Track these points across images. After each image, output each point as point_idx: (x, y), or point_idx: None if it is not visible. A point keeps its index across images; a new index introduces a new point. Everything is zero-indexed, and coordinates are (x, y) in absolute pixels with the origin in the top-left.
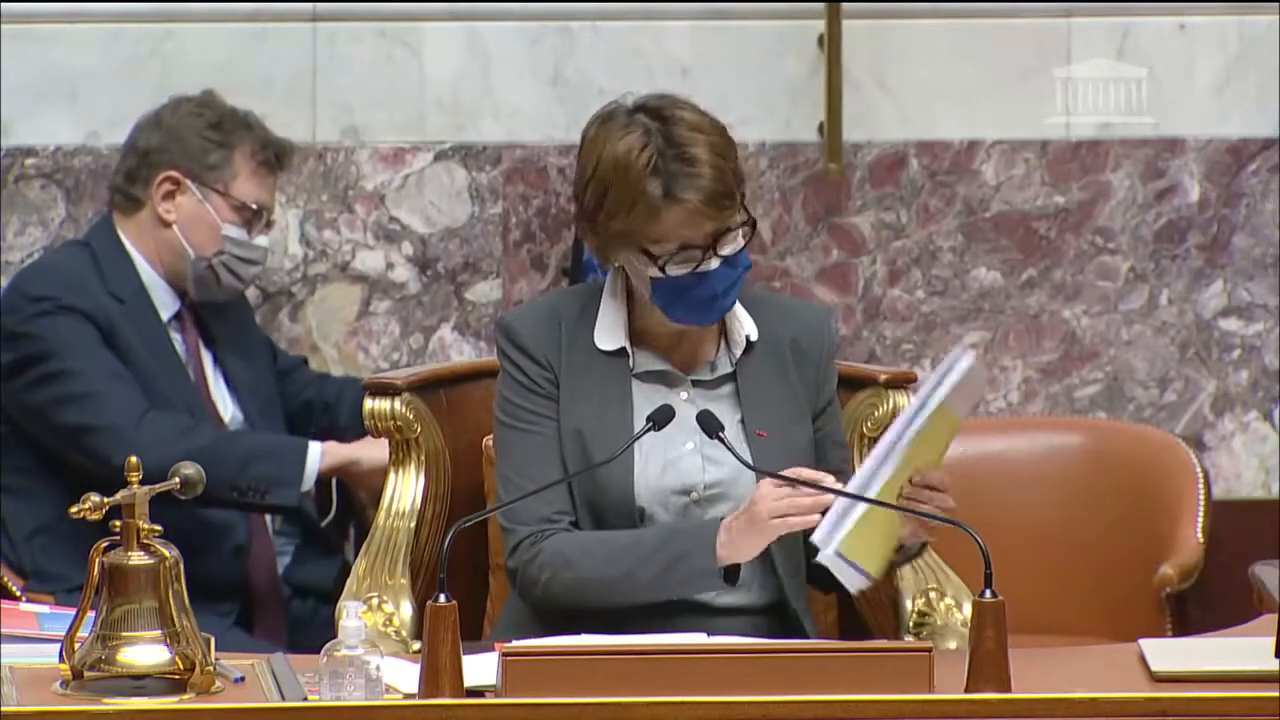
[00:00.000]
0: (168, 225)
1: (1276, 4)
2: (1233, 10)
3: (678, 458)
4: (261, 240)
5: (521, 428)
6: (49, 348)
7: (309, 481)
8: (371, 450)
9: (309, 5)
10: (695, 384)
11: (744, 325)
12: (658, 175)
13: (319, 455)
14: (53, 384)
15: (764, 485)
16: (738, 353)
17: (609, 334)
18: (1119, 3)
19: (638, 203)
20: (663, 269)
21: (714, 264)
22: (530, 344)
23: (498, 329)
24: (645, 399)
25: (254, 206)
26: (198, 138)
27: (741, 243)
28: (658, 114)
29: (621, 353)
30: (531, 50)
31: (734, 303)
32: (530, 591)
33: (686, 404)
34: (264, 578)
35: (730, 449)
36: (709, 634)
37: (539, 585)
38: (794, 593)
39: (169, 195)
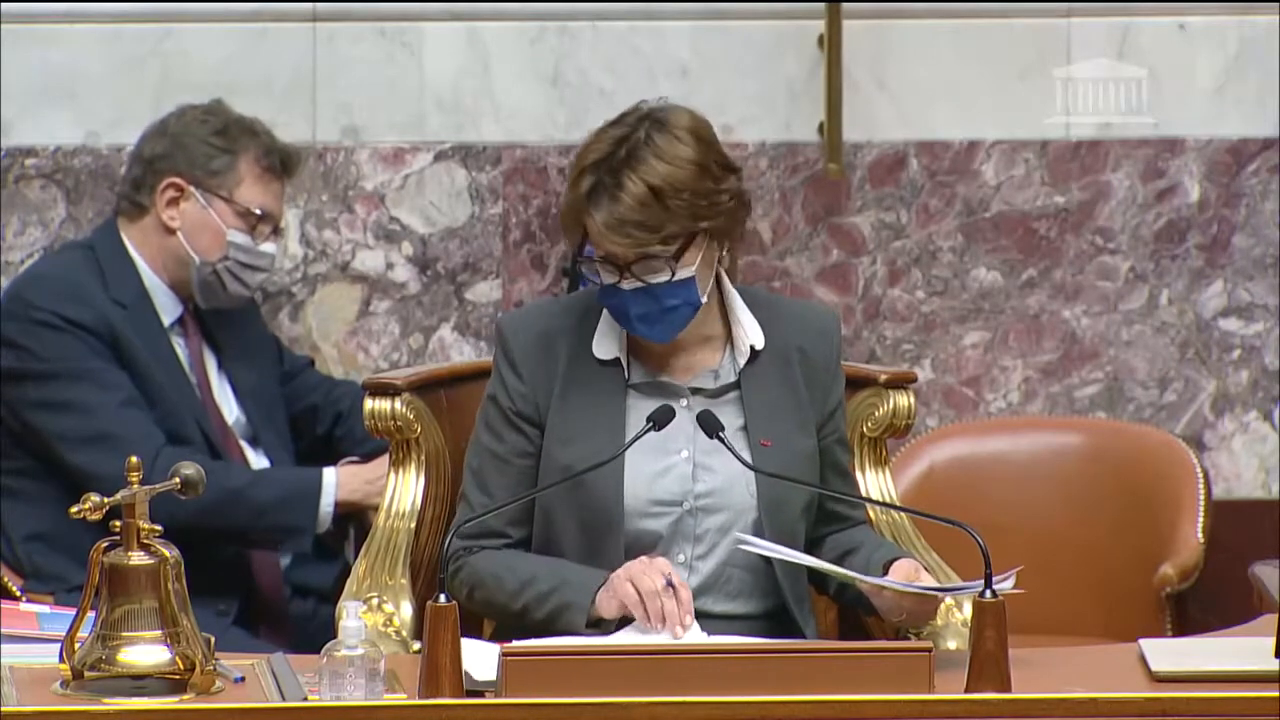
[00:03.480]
0: (172, 232)
1: (1276, 4)
2: (1233, 10)
3: (668, 468)
4: (268, 247)
5: (485, 436)
6: (54, 370)
7: (323, 526)
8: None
9: (309, 5)
10: (696, 392)
11: (749, 334)
12: (593, 177)
13: (333, 504)
14: (60, 415)
15: (650, 564)
16: (742, 361)
17: (607, 343)
18: (1119, 3)
19: (571, 194)
20: (575, 265)
21: (627, 285)
22: (518, 358)
23: (496, 329)
24: (640, 410)
25: (258, 212)
26: (202, 144)
27: (660, 278)
28: (653, 126)
29: (617, 362)
30: (531, 50)
31: (670, 334)
32: (454, 598)
33: (685, 413)
34: (266, 578)
35: (730, 449)
36: (709, 634)
37: (459, 597)
38: (794, 598)
39: (173, 202)
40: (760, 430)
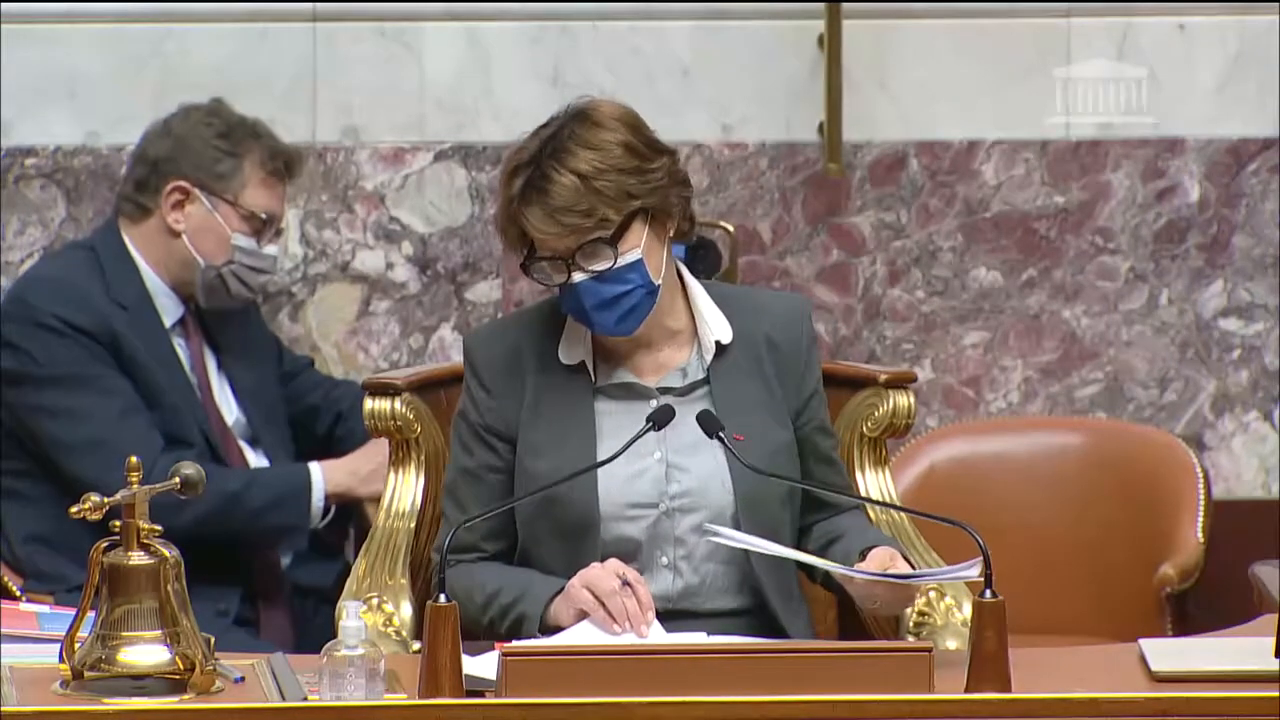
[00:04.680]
0: (177, 235)
1: (1276, 4)
2: (1233, 10)
3: (642, 470)
4: (271, 249)
5: (458, 452)
6: (54, 375)
7: (316, 520)
8: (370, 485)
9: (309, 5)
10: (665, 391)
11: (714, 329)
12: (522, 177)
13: (323, 498)
14: (59, 421)
15: (603, 568)
16: (709, 357)
17: (572, 348)
18: (1119, 2)
19: (503, 197)
20: (525, 271)
21: (577, 278)
22: (485, 374)
23: (463, 347)
24: (609, 414)
25: (263, 216)
26: (207, 147)
27: (605, 264)
28: (575, 120)
29: (583, 367)
30: (531, 50)
31: (631, 324)
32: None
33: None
34: (266, 578)
35: (730, 449)
36: (708, 634)
37: None
38: (775, 593)
39: (178, 205)
40: (733, 425)
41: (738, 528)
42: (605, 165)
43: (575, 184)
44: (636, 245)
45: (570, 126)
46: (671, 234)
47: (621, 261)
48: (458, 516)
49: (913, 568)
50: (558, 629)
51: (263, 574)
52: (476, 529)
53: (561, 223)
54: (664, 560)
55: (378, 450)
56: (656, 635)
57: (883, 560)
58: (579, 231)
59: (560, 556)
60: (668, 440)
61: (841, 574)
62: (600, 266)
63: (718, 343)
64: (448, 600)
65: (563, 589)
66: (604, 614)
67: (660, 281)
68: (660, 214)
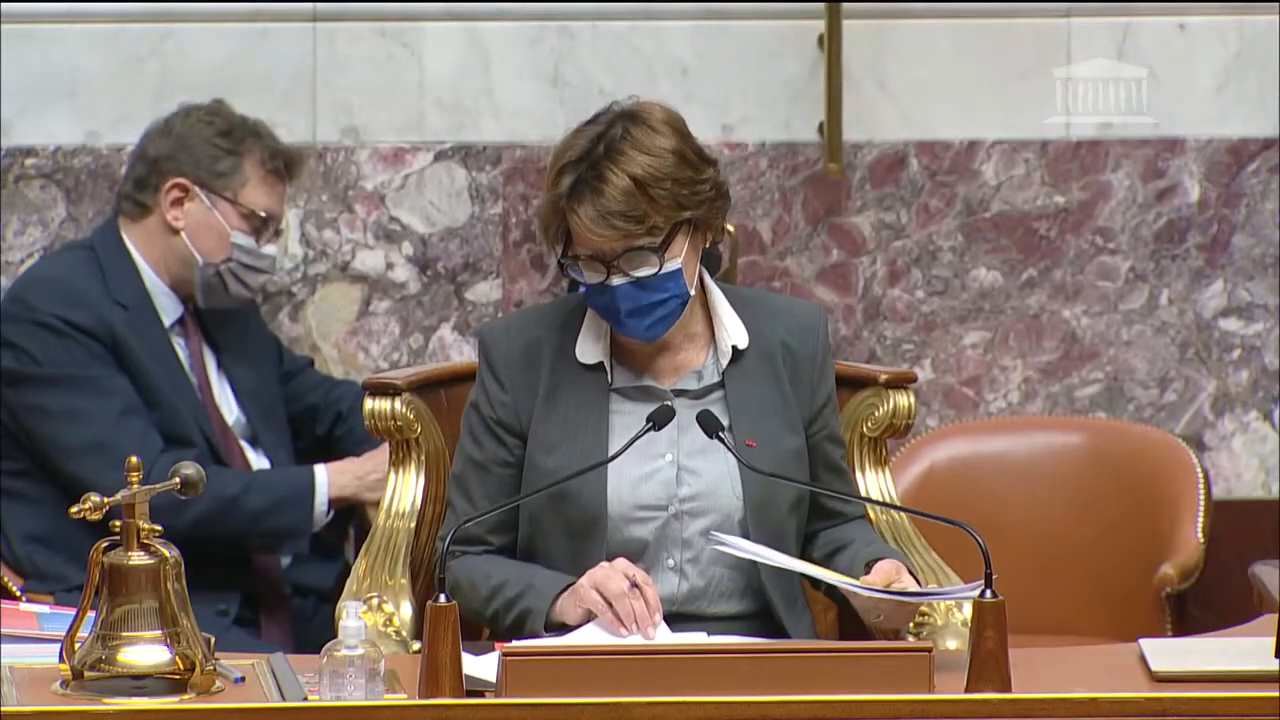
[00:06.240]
0: (176, 232)
1: (1276, 4)
2: (1233, 10)
3: (653, 472)
4: (270, 249)
5: (468, 443)
6: (54, 375)
7: (318, 524)
8: (375, 490)
9: (309, 5)
10: (680, 394)
11: (731, 334)
12: (573, 174)
13: (326, 502)
14: (58, 422)
15: (612, 568)
16: (724, 362)
17: (590, 347)
18: (1119, 2)
19: (550, 193)
20: (562, 268)
21: (615, 280)
22: (501, 366)
23: (477, 339)
24: (624, 415)
25: (263, 214)
26: (207, 145)
27: (649, 271)
28: (628, 121)
29: (601, 367)
30: (531, 50)
31: (660, 330)
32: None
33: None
34: (266, 578)
35: (731, 449)
36: (708, 634)
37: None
38: (779, 600)
39: (178, 202)
40: (745, 430)
41: (746, 532)
42: (661, 173)
43: (630, 187)
44: (679, 255)
45: (623, 125)
46: (707, 245)
47: (665, 269)
48: (464, 507)
49: (918, 581)
50: (563, 626)
51: (263, 574)
52: (482, 521)
53: (614, 225)
54: (670, 562)
55: (383, 455)
56: (663, 638)
57: (888, 574)
58: (629, 236)
59: (566, 553)
60: (680, 443)
61: (847, 588)
62: (643, 273)
63: (734, 347)
64: (448, 599)
65: (569, 585)
66: (611, 616)
67: (693, 291)
68: (702, 225)
